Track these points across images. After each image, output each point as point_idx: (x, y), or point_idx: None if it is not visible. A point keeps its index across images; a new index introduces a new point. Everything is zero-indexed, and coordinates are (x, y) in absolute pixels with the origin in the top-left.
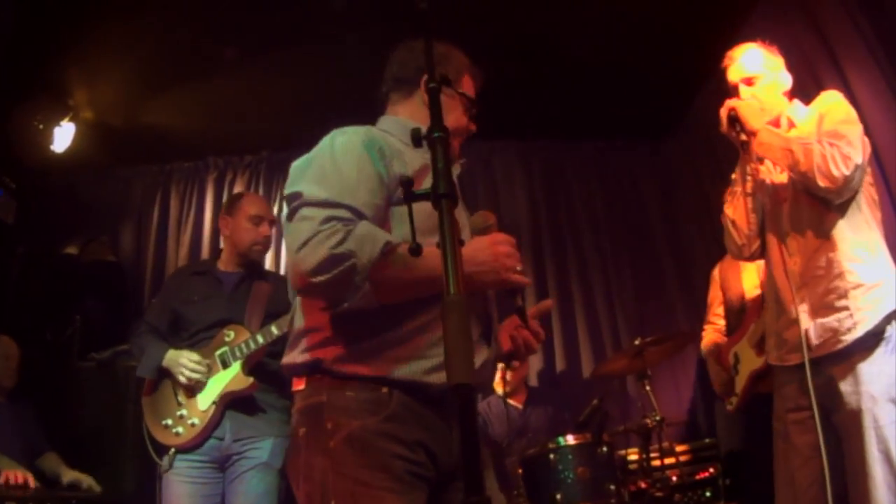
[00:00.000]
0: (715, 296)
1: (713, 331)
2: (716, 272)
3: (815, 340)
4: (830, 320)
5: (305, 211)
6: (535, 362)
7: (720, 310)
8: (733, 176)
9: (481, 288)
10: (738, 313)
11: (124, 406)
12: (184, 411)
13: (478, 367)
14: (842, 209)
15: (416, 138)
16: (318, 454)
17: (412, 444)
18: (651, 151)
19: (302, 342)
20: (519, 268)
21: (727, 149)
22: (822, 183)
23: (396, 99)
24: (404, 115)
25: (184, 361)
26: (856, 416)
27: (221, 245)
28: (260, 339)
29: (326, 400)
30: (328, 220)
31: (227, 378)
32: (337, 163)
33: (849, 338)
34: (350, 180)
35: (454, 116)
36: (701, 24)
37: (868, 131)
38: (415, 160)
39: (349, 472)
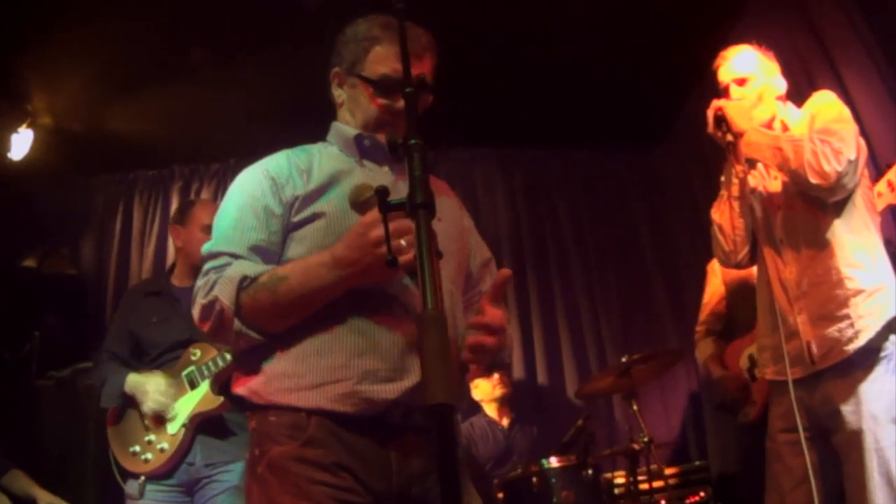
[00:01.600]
0: (714, 292)
1: (708, 333)
2: (715, 264)
3: (817, 353)
4: (831, 331)
5: (203, 268)
6: (519, 380)
7: (720, 308)
8: (722, 179)
9: (360, 283)
10: (751, 310)
11: (85, 427)
12: (152, 436)
13: (410, 388)
14: (838, 211)
15: (392, 149)
16: (253, 480)
17: (334, 469)
18: (639, 160)
19: (234, 374)
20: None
21: (719, 157)
22: (813, 180)
23: (337, 107)
24: (341, 121)
25: (149, 387)
26: (856, 437)
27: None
28: (228, 356)
29: (255, 426)
30: (206, 272)
31: (195, 399)
32: (226, 209)
33: (852, 348)
34: (230, 224)
35: (361, 109)
36: (690, 25)
37: (865, 135)
38: (328, 168)
39: (274, 498)
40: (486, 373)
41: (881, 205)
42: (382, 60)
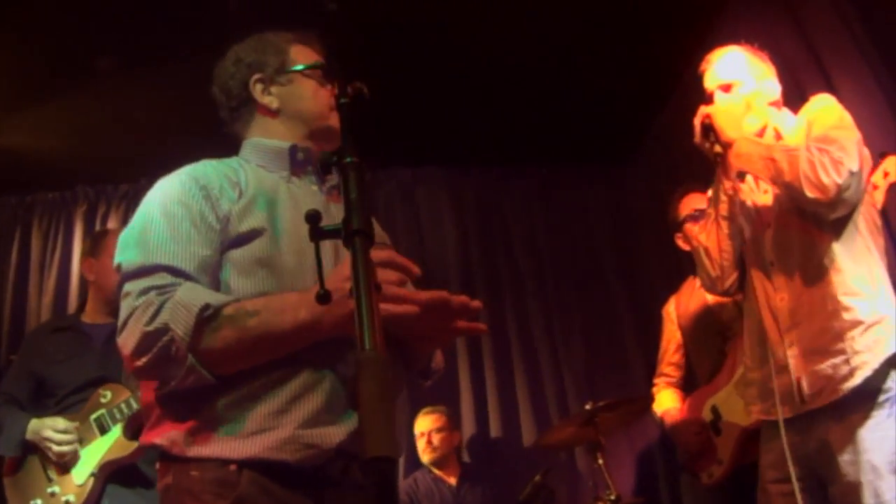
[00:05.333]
0: (670, 339)
1: (667, 385)
2: (670, 307)
3: (807, 391)
4: (824, 367)
5: (125, 286)
6: (468, 431)
7: (677, 357)
8: (708, 195)
9: (330, 332)
10: (713, 355)
11: None
12: (56, 488)
13: (344, 438)
14: (837, 232)
15: (325, 165)
16: None
17: None
18: (605, 179)
19: (148, 420)
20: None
21: (696, 177)
22: (810, 194)
23: (244, 126)
24: (260, 136)
25: (49, 433)
26: (854, 490)
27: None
28: None
29: (172, 482)
30: (144, 291)
31: (106, 445)
32: (152, 216)
33: (846, 387)
34: (165, 234)
35: (308, 100)
36: (664, 27)
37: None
38: (256, 183)
39: None
40: (423, 381)
41: (880, 198)
42: (305, 55)
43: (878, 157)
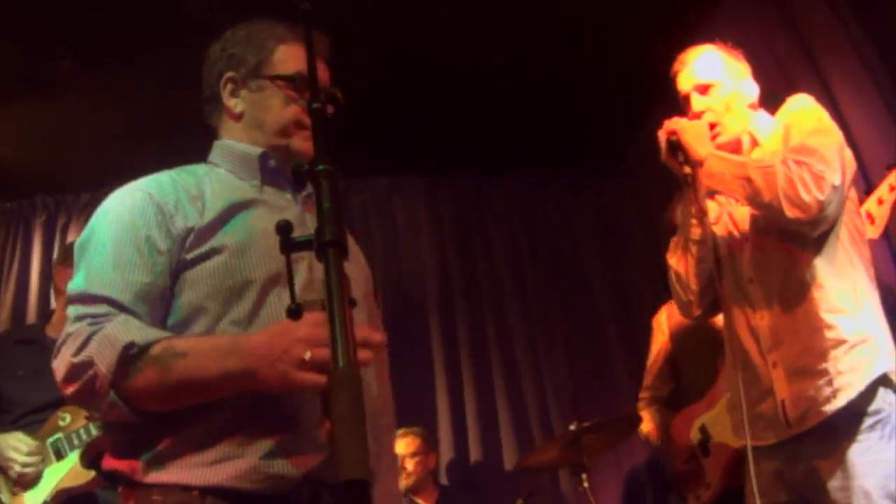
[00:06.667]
0: (659, 351)
1: (654, 401)
2: (661, 317)
3: (791, 414)
4: (808, 388)
5: (68, 309)
6: (446, 453)
7: (666, 370)
8: (677, 216)
9: (265, 387)
10: (704, 370)
11: None
12: None
13: (322, 461)
14: (817, 246)
15: (297, 174)
16: None
17: None
18: (589, 188)
19: (108, 445)
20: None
21: (681, 186)
22: (790, 214)
23: (217, 122)
24: (229, 138)
25: (12, 455)
26: None
27: (53, 305)
28: None
29: None
30: (79, 318)
31: (61, 471)
32: (100, 239)
33: (829, 409)
34: (107, 260)
35: (273, 114)
36: (650, 26)
37: (853, 146)
38: (222, 195)
39: None
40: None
41: (871, 232)
42: (293, 59)
43: (886, 168)
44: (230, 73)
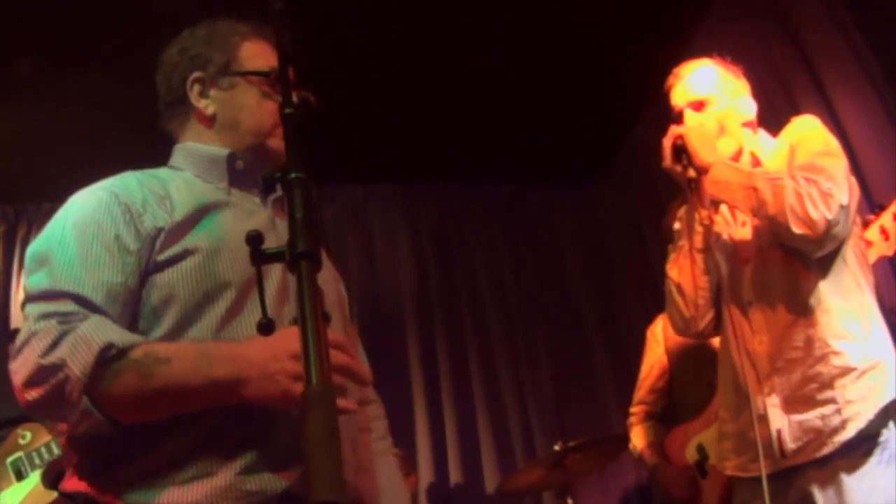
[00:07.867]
0: (654, 363)
1: (646, 416)
2: (657, 328)
3: (790, 444)
4: (811, 417)
5: (27, 308)
6: (425, 475)
7: (661, 384)
8: (676, 226)
9: (252, 399)
10: (704, 385)
11: None
12: None
13: (292, 483)
14: (823, 268)
15: (268, 182)
16: None
17: None
18: (575, 198)
19: (71, 464)
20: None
21: (674, 195)
22: (797, 229)
23: (179, 126)
24: (191, 140)
25: None
26: None
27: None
28: None
29: None
30: (44, 316)
31: (21, 493)
32: (64, 237)
33: (838, 440)
34: (73, 257)
35: (249, 112)
36: (640, 32)
37: (857, 168)
38: (188, 197)
39: None
40: None
41: (872, 256)
42: (259, 55)
43: (877, 209)
44: (197, 74)
